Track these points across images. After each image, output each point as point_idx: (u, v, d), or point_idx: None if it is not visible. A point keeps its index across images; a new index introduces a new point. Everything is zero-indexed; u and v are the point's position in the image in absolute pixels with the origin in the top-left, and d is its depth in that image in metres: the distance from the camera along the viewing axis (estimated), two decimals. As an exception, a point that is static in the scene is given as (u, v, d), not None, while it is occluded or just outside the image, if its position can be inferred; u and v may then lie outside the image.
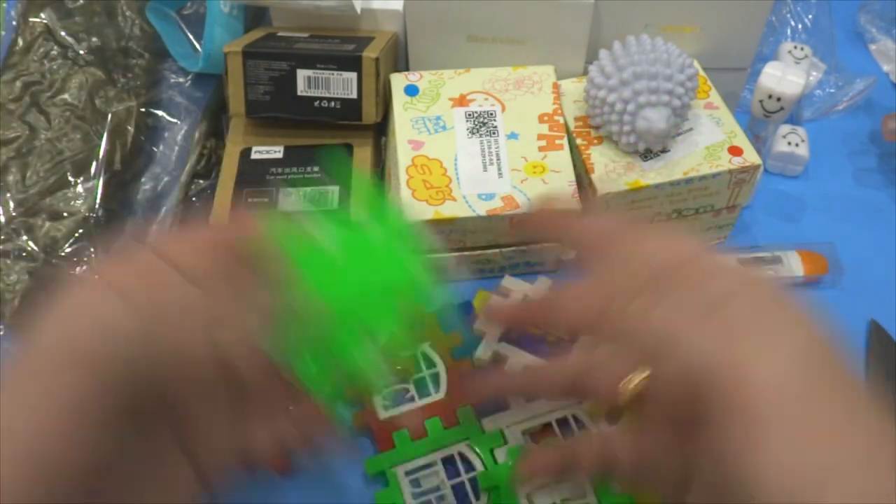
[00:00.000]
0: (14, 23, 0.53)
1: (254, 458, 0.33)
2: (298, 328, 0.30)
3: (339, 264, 0.31)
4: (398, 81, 0.50)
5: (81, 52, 0.51)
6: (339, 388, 0.31)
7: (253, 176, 0.48)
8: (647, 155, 0.47)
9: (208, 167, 0.52)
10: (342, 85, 0.47)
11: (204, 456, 0.31)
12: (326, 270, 0.31)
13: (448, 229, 0.45)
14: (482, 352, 0.45)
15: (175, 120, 0.52)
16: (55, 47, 0.51)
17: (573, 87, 0.51)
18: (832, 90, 0.62)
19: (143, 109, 0.51)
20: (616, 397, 0.33)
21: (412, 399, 0.45)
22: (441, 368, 0.45)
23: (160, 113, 0.52)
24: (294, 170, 0.48)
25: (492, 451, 0.42)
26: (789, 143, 0.56)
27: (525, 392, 0.41)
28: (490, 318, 0.42)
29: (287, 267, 0.30)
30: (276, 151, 0.49)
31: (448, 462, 0.42)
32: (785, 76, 0.50)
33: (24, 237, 0.46)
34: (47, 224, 0.46)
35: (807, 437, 0.24)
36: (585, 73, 0.49)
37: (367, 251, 0.31)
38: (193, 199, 0.52)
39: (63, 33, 0.52)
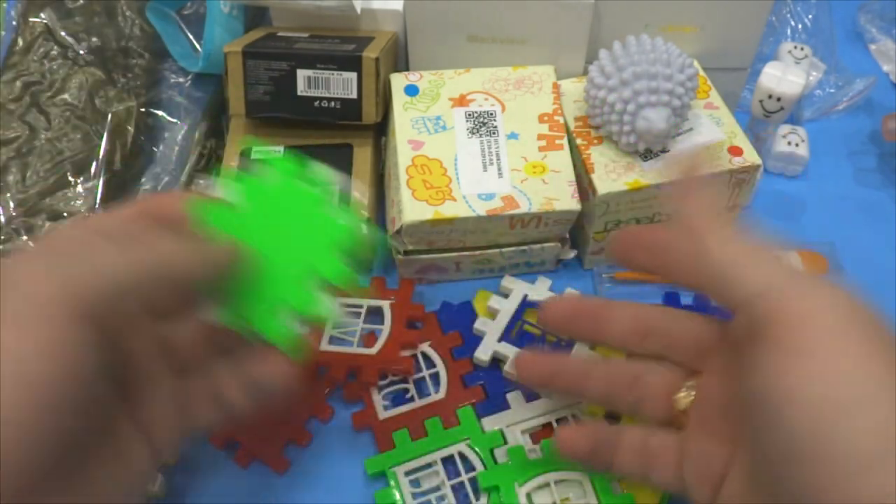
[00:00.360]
0: (14, 23, 0.53)
1: (196, 422, 0.33)
2: (232, 280, 0.32)
3: (263, 216, 0.34)
4: (398, 81, 0.50)
5: (81, 52, 0.51)
6: (283, 328, 0.33)
7: (253, 176, 0.48)
8: (647, 155, 0.47)
9: (208, 167, 0.52)
10: (342, 85, 0.47)
11: (155, 427, 0.31)
12: (251, 222, 0.34)
13: (448, 229, 0.45)
14: (482, 352, 0.45)
15: (175, 120, 0.52)
16: (55, 47, 0.51)
17: (573, 87, 0.51)
18: (832, 90, 0.62)
19: (143, 109, 0.51)
20: (668, 410, 0.35)
21: (412, 399, 0.45)
22: (441, 368, 0.45)
23: (160, 113, 0.52)
24: (294, 170, 0.48)
25: (492, 451, 0.42)
26: (789, 143, 0.56)
27: (573, 390, 0.38)
28: (547, 321, 0.40)
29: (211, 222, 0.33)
30: (276, 151, 0.49)
31: (448, 462, 0.42)
32: (785, 76, 0.50)
33: (24, 237, 0.46)
34: (47, 224, 0.46)
35: (837, 370, 0.25)
36: (585, 73, 0.49)
37: (289, 202, 0.35)
38: (193, 199, 0.52)
39: (63, 33, 0.52)
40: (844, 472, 0.24)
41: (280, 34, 0.51)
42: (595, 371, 0.37)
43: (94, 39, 0.52)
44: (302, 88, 0.47)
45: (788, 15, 0.64)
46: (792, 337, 0.26)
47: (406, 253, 0.47)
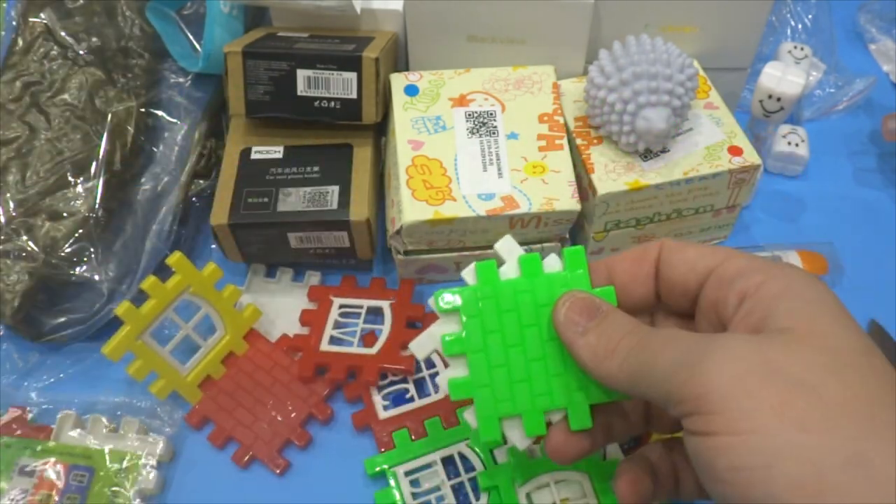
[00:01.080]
0: (14, 23, 0.53)
1: None
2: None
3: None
4: (398, 81, 0.50)
5: (81, 52, 0.51)
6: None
7: (253, 176, 0.48)
8: (647, 155, 0.47)
9: (208, 167, 0.52)
10: (342, 85, 0.47)
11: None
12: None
13: (448, 229, 0.45)
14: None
15: (175, 120, 0.52)
16: (55, 47, 0.51)
17: (573, 87, 0.51)
18: (832, 90, 0.62)
19: (143, 109, 0.51)
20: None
21: (412, 399, 0.45)
22: (441, 368, 0.45)
23: (160, 113, 0.52)
24: (294, 170, 0.48)
25: (492, 451, 0.42)
26: (789, 143, 0.56)
27: (604, 444, 0.36)
28: None
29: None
30: (276, 151, 0.49)
31: (448, 462, 0.42)
32: (785, 76, 0.50)
33: (24, 237, 0.46)
34: (47, 224, 0.46)
35: (744, 437, 0.24)
36: (585, 73, 0.49)
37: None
38: (193, 199, 0.52)
39: (63, 33, 0.52)
40: None
41: (280, 34, 0.51)
42: (615, 423, 0.35)
43: (94, 39, 0.52)
44: (302, 88, 0.47)
45: (788, 15, 0.64)
46: (697, 419, 0.25)
47: (406, 253, 0.47)
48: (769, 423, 0.24)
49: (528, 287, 0.33)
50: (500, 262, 0.33)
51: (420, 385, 0.45)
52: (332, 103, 0.48)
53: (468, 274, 0.33)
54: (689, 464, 0.32)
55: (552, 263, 0.33)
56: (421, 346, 0.34)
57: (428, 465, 0.42)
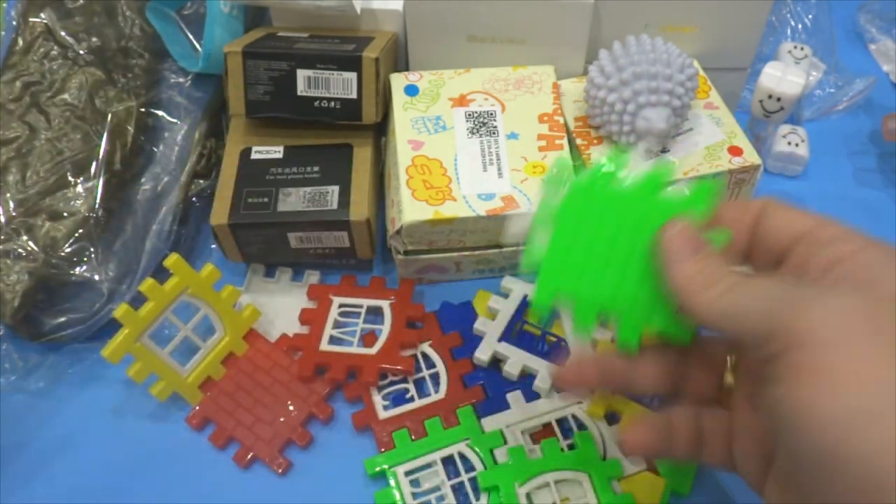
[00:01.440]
0: (14, 23, 0.53)
1: None
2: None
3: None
4: (398, 81, 0.50)
5: (81, 52, 0.51)
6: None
7: (253, 176, 0.48)
8: (648, 155, 0.47)
9: (208, 167, 0.52)
10: (342, 85, 0.47)
11: None
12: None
13: (448, 229, 0.45)
14: (482, 352, 0.45)
15: (175, 120, 0.52)
16: (55, 47, 0.51)
17: (573, 87, 0.51)
18: (832, 90, 0.62)
19: (143, 109, 0.51)
20: (712, 389, 0.35)
21: (412, 399, 0.45)
22: (441, 368, 0.45)
23: (160, 113, 0.52)
24: (294, 170, 0.48)
25: (492, 451, 0.42)
26: (789, 143, 0.56)
27: (621, 388, 0.37)
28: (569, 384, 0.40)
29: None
30: (276, 151, 0.49)
31: (448, 462, 0.42)
32: (785, 76, 0.50)
33: (24, 237, 0.46)
34: (47, 224, 0.46)
35: (848, 383, 0.24)
36: (585, 73, 0.49)
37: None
38: (193, 199, 0.52)
39: (63, 33, 0.52)
40: (864, 490, 0.23)
41: (280, 34, 0.51)
42: (639, 363, 0.36)
43: (94, 39, 0.52)
44: (302, 88, 0.47)
45: (788, 15, 0.64)
46: (800, 353, 0.25)
47: (406, 253, 0.47)
48: (874, 378, 0.23)
49: (642, 198, 0.32)
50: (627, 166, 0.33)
51: (420, 385, 0.45)
52: (332, 103, 0.48)
53: (597, 162, 0.33)
54: (720, 430, 0.33)
55: (676, 192, 0.33)
56: (521, 218, 0.34)
57: (428, 465, 0.42)
